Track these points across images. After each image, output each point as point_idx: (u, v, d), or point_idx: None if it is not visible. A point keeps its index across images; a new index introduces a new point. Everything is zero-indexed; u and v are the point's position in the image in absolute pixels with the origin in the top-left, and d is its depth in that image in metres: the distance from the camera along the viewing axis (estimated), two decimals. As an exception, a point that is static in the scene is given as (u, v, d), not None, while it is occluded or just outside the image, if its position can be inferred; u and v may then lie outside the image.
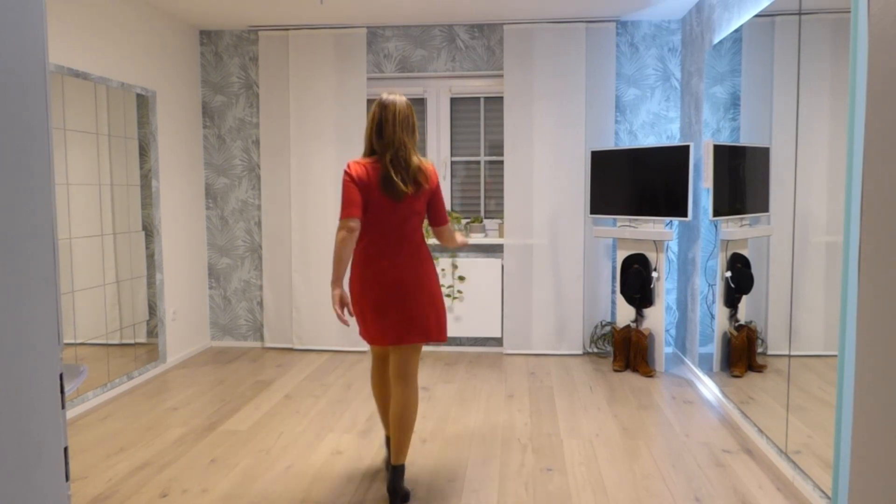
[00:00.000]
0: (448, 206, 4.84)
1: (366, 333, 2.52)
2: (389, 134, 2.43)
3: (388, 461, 2.73)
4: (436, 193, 2.54)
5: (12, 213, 0.82)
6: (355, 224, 2.36)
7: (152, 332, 4.17)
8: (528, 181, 4.60)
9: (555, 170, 4.57)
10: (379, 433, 3.18)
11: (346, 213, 2.36)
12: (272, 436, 3.16)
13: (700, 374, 3.91)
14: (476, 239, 4.67)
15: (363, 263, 2.46)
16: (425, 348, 4.82)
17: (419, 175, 2.45)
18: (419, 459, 2.88)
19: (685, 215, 3.94)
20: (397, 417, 2.45)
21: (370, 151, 2.48)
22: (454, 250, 2.62)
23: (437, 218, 2.57)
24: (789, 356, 2.63)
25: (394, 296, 2.43)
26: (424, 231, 2.60)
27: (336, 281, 2.39)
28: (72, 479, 2.72)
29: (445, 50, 4.67)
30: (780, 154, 2.72)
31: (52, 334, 0.90)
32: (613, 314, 4.72)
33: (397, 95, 2.49)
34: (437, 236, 2.63)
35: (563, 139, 4.55)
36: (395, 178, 2.41)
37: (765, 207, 2.87)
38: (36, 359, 0.86)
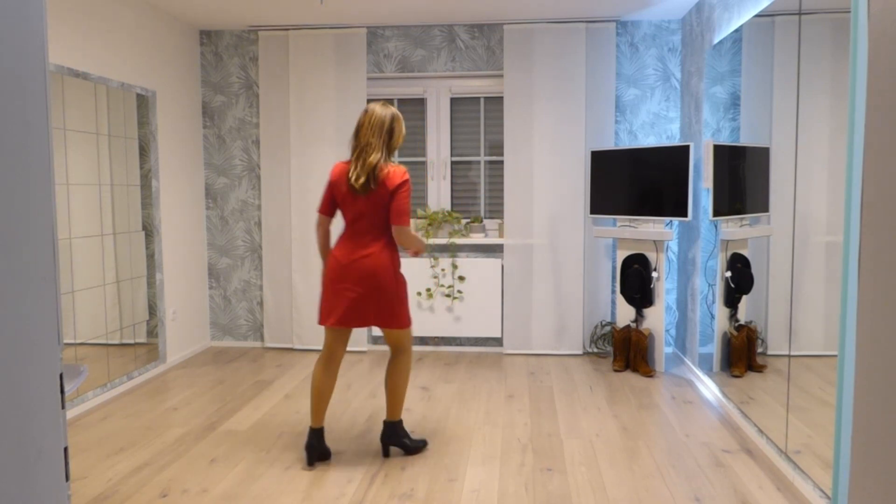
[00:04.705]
0: (448, 206, 4.84)
1: None
2: (362, 135, 2.75)
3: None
4: (394, 195, 2.72)
5: (12, 213, 0.82)
6: (321, 218, 2.83)
7: (152, 332, 4.17)
8: (528, 181, 4.60)
9: (555, 170, 4.57)
10: (377, 433, 3.19)
11: (319, 209, 2.85)
12: (272, 436, 3.16)
13: (700, 374, 3.91)
14: (476, 239, 4.67)
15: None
16: (425, 348, 4.83)
17: (372, 174, 2.70)
18: (419, 459, 2.88)
19: (685, 215, 3.94)
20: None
21: (350, 152, 2.81)
22: (411, 252, 2.85)
23: (391, 218, 2.75)
24: (789, 356, 2.63)
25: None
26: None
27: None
28: (72, 479, 2.72)
29: (445, 50, 4.67)
30: (780, 154, 2.72)
31: (52, 334, 0.90)
32: (613, 314, 4.72)
33: (380, 105, 2.77)
34: (394, 236, 2.76)
35: (563, 139, 4.55)
36: (351, 174, 2.73)
37: (765, 207, 2.87)
38: (36, 359, 0.86)
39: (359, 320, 2.73)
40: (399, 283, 2.79)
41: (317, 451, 2.80)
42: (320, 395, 2.80)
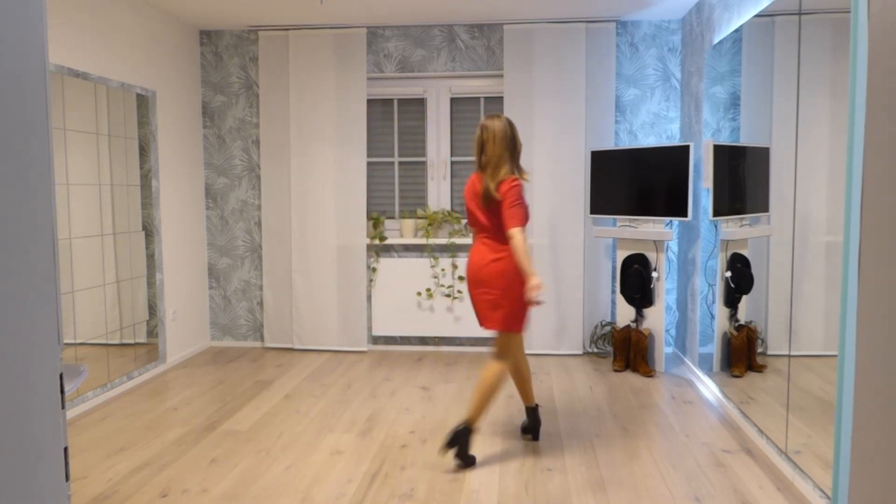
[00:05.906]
0: (448, 206, 4.84)
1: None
2: (489, 150, 2.80)
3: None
4: (500, 204, 2.76)
5: (12, 213, 0.82)
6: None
7: (152, 332, 4.17)
8: (527, 181, 4.59)
9: (555, 170, 4.57)
10: (377, 433, 3.19)
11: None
12: (272, 436, 3.16)
13: (700, 374, 3.91)
14: (476, 239, 4.67)
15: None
16: (425, 348, 4.83)
17: (491, 188, 2.76)
18: (419, 459, 2.88)
19: (685, 215, 3.94)
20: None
21: (478, 167, 2.88)
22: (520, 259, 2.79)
23: (503, 225, 2.80)
24: (789, 356, 2.63)
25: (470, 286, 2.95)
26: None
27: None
28: (72, 479, 2.72)
29: (445, 50, 4.67)
30: (780, 154, 2.72)
31: (52, 334, 0.90)
32: (613, 314, 4.72)
33: (495, 119, 2.81)
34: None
35: (563, 139, 4.55)
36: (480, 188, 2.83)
37: (765, 207, 2.87)
38: (36, 359, 0.86)
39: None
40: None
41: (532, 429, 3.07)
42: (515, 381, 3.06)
